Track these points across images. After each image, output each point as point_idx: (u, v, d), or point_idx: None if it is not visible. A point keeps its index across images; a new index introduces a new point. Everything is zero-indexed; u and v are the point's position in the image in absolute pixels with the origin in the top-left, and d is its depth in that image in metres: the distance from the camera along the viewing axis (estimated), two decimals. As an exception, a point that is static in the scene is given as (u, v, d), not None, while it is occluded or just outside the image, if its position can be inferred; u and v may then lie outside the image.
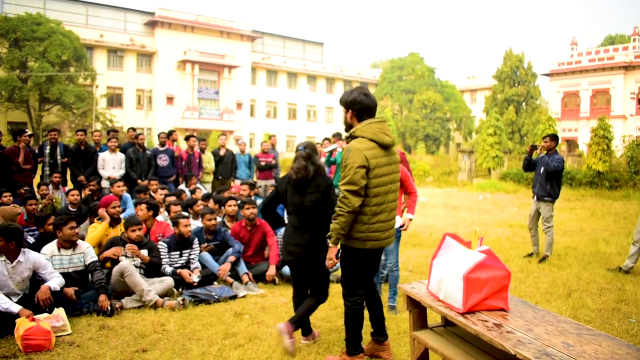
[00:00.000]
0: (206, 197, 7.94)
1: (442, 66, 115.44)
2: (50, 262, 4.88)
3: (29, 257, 4.65)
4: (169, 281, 5.42)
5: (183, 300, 5.13)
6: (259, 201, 7.90)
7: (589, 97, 39.32)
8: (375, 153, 3.45)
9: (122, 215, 6.52)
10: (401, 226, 5.02)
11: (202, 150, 10.61)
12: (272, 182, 10.90)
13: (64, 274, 4.92)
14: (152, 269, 5.56)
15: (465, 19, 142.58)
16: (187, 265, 5.87)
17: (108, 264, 5.53)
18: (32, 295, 4.55)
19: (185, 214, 6.63)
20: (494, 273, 2.65)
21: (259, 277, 6.13)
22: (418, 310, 3.10)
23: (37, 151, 9.49)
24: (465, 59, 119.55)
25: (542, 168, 7.54)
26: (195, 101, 41.80)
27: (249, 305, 5.28)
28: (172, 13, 41.42)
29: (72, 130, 31.66)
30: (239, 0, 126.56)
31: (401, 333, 4.49)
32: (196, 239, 6.03)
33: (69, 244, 5.13)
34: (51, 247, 5.11)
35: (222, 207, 7.73)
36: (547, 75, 41.79)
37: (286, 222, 4.32)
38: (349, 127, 3.68)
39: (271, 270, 6.10)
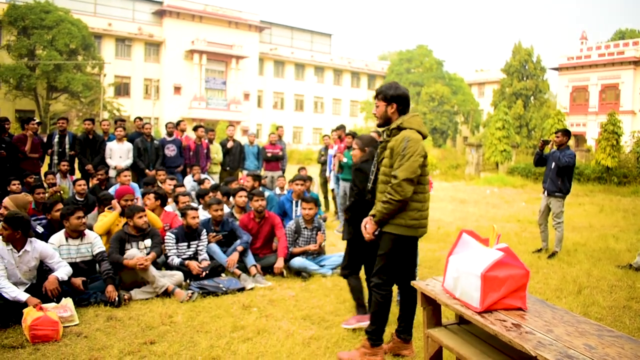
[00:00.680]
0: (214, 188, 7.90)
1: (451, 59, 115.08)
2: (57, 252, 4.85)
3: (35, 247, 4.62)
4: (179, 276, 5.37)
5: (192, 293, 5.09)
6: (267, 193, 7.86)
7: (597, 92, 38.99)
8: (423, 144, 3.60)
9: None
10: None
11: (210, 141, 10.55)
12: (279, 173, 10.82)
13: (71, 264, 4.88)
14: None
15: (475, 12, 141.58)
16: (195, 256, 5.82)
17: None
18: (39, 285, 4.53)
19: (194, 204, 6.59)
20: (512, 272, 2.58)
21: (267, 270, 6.09)
22: (432, 307, 3.04)
23: (45, 140, 9.47)
24: (474, 52, 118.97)
25: (554, 163, 7.44)
26: (203, 91, 41.76)
27: (257, 297, 5.24)
28: (180, 2, 41.28)
29: (79, 118, 31.71)
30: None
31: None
32: (204, 230, 5.99)
33: (77, 233, 5.09)
34: (59, 236, 5.08)
35: (230, 198, 7.70)
36: (556, 69, 41.45)
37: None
38: (386, 120, 3.74)
39: (279, 263, 6.06)
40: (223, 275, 5.73)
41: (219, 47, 41.84)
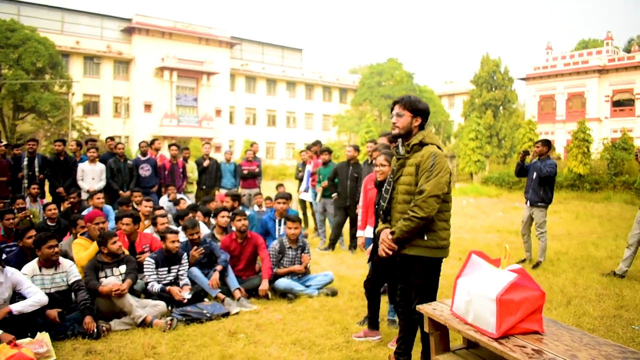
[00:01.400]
0: (192, 208, 7.66)
1: (421, 71, 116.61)
2: (27, 277, 4.55)
3: (8, 277, 4.34)
4: (161, 306, 5.10)
5: (171, 320, 4.83)
6: (247, 212, 7.66)
7: (564, 101, 39.90)
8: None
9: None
10: None
11: (186, 159, 10.32)
12: (257, 190, 10.64)
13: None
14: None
15: (443, 25, 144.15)
16: (176, 281, 5.58)
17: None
18: (13, 318, 4.23)
19: (174, 227, 6.34)
20: (527, 294, 2.47)
21: (252, 292, 5.88)
22: (440, 332, 2.90)
23: (12, 162, 9.09)
24: (443, 64, 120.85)
25: (535, 173, 7.46)
26: (174, 108, 41.27)
27: (243, 322, 5.03)
28: (149, 19, 40.89)
29: (47, 139, 30.93)
30: (218, 6, 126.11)
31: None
32: (185, 254, 5.75)
33: (50, 263, 4.81)
34: (32, 266, 4.78)
35: (209, 218, 7.47)
36: (524, 79, 42.32)
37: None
38: (407, 132, 3.63)
39: (264, 285, 5.85)
40: (206, 300, 5.50)
41: (190, 63, 41.50)
